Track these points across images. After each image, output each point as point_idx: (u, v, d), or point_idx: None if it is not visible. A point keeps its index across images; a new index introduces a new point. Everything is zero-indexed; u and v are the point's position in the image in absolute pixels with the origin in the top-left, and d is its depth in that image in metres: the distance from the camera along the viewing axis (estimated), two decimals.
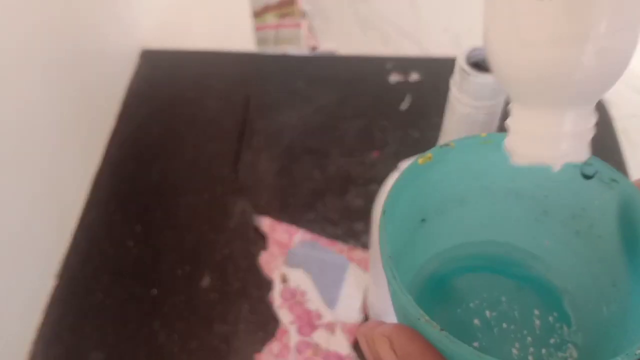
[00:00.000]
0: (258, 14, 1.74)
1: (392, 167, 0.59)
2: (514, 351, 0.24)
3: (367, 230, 0.56)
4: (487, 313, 0.25)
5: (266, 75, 0.71)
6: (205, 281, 0.54)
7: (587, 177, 0.24)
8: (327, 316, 0.50)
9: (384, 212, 0.22)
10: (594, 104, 0.20)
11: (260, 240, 0.56)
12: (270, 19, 1.72)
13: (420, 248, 0.26)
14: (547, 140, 0.20)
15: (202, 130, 0.66)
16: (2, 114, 0.48)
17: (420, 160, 0.24)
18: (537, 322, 0.25)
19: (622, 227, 0.23)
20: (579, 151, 0.21)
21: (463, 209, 0.27)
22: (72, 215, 0.59)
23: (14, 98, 0.50)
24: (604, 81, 0.19)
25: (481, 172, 0.25)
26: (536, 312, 0.25)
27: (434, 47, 1.84)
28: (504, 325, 0.25)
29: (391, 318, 0.48)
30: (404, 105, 0.67)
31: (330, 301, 0.51)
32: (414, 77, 0.69)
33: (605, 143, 0.62)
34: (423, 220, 0.26)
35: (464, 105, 0.30)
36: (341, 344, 0.49)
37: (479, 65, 0.30)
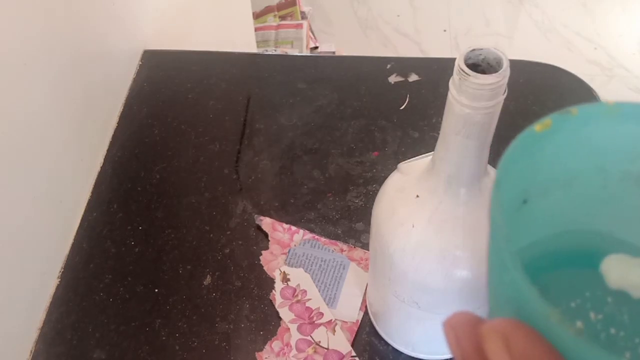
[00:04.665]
0: (259, 15, 1.74)
1: (392, 167, 0.59)
2: None
3: (367, 229, 0.56)
4: (592, 315, 0.22)
5: (267, 76, 0.72)
6: (207, 280, 0.54)
7: None
8: (328, 315, 0.51)
9: (497, 185, 0.19)
10: None
11: (261, 239, 0.57)
12: (271, 20, 1.72)
13: (517, 235, 0.22)
14: None
15: (203, 130, 0.66)
16: (7, 114, 0.49)
17: (537, 127, 0.20)
18: None
19: None
20: None
21: (569, 191, 0.23)
22: (75, 214, 0.59)
23: (18, 99, 0.50)
24: None
25: (598, 149, 0.22)
26: None
27: (433, 48, 1.84)
28: (612, 330, 0.21)
29: (391, 318, 0.48)
30: (404, 105, 0.67)
31: (331, 300, 0.52)
32: (414, 77, 0.70)
33: None
34: (525, 201, 0.22)
35: (463, 106, 0.30)
36: (341, 343, 0.49)
37: (478, 66, 0.30)
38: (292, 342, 0.49)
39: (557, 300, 0.22)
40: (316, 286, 0.52)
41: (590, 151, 0.22)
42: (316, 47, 1.75)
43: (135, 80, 0.72)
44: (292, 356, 0.49)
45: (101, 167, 0.64)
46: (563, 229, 0.24)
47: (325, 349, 0.49)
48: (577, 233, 0.24)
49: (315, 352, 0.49)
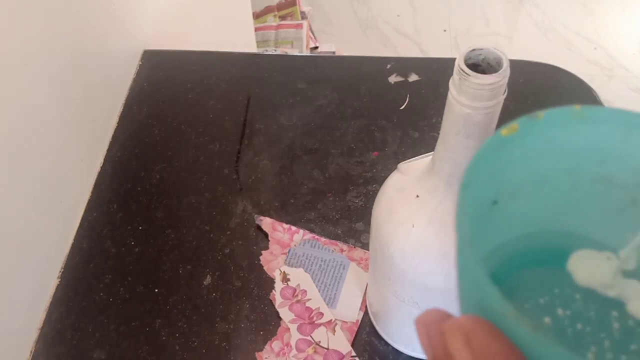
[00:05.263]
0: (259, 15, 1.74)
1: (392, 167, 0.59)
2: (590, 356, 0.21)
3: (367, 229, 0.56)
4: (560, 311, 0.22)
5: (267, 76, 0.72)
6: (207, 280, 0.54)
7: None
8: (328, 315, 0.51)
9: (463, 187, 0.20)
10: None
11: (261, 239, 0.57)
12: (271, 20, 1.72)
13: (488, 235, 0.23)
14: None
15: (203, 130, 0.66)
16: (7, 114, 0.49)
17: (504, 131, 0.21)
18: (616, 324, 0.22)
19: None
20: None
21: (540, 193, 0.24)
22: (75, 214, 0.59)
23: (18, 99, 0.50)
24: None
25: (567, 152, 0.22)
26: (615, 313, 0.22)
27: (433, 48, 1.84)
28: (579, 326, 0.22)
29: (391, 318, 0.48)
30: (404, 105, 0.67)
31: (331, 300, 0.52)
32: (414, 77, 0.70)
33: None
34: (494, 202, 0.23)
35: (463, 106, 0.30)
36: (341, 343, 0.49)
37: (478, 66, 0.30)
38: (292, 342, 0.49)
39: (527, 297, 0.23)
40: (316, 286, 0.52)
41: (558, 154, 0.22)
42: (316, 47, 1.75)
43: (135, 80, 0.72)
44: (292, 356, 0.49)
45: (101, 167, 0.64)
46: (534, 229, 0.24)
47: (325, 349, 0.49)
48: (548, 233, 0.24)
49: (315, 352, 0.49)
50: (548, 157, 0.22)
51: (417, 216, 0.36)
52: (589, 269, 0.23)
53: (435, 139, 0.34)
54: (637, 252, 0.23)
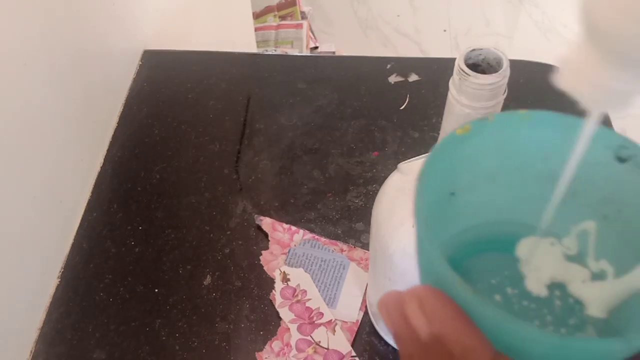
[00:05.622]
0: (259, 15, 1.74)
1: (392, 167, 0.59)
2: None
3: (367, 229, 0.56)
4: (509, 290, 0.25)
5: (267, 76, 0.72)
6: (207, 280, 0.54)
7: (622, 160, 0.23)
8: (328, 315, 0.51)
9: (420, 178, 0.22)
10: None
11: (261, 239, 0.57)
12: (271, 20, 1.72)
13: (448, 223, 0.26)
14: (593, 83, 0.20)
15: (203, 130, 0.66)
16: (7, 114, 0.49)
17: (458, 131, 0.24)
18: (558, 302, 0.25)
19: None
20: (614, 105, 0.21)
21: (492, 186, 0.26)
22: (75, 214, 0.59)
23: (18, 98, 0.50)
24: None
25: (515, 151, 0.25)
26: (557, 293, 0.25)
27: (433, 48, 1.84)
28: (525, 302, 0.25)
29: None
30: (404, 105, 0.67)
31: (331, 300, 0.52)
32: (414, 77, 0.70)
33: None
34: (452, 194, 0.26)
35: (463, 106, 0.30)
36: (341, 343, 0.49)
37: (478, 66, 0.30)
38: (292, 342, 0.49)
39: (481, 278, 0.26)
40: (316, 286, 0.52)
41: (507, 153, 0.25)
42: (316, 47, 1.75)
43: (135, 80, 0.72)
44: (292, 356, 0.49)
45: (101, 167, 0.64)
46: (489, 219, 0.27)
47: (325, 349, 0.49)
48: (501, 223, 0.27)
49: (315, 352, 0.49)
50: (498, 155, 0.25)
51: None
52: (528, 252, 0.26)
53: (435, 139, 0.34)
54: (579, 239, 0.26)
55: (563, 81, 0.21)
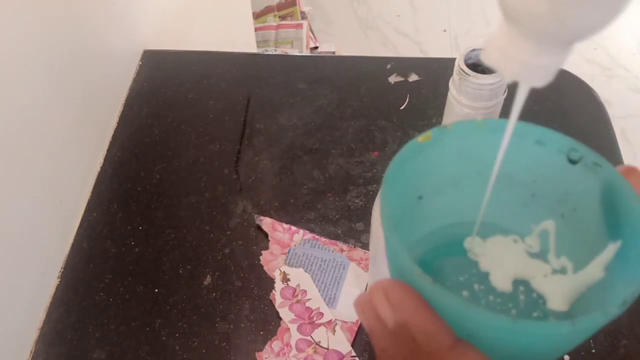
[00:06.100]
0: (259, 15, 1.74)
1: None
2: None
3: (367, 229, 0.56)
4: (476, 286, 0.27)
5: (267, 76, 0.72)
6: (207, 280, 0.54)
7: (573, 162, 0.25)
8: (328, 315, 0.51)
9: (385, 180, 0.23)
10: (565, 50, 0.22)
11: (261, 239, 0.57)
12: (271, 20, 1.72)
13: (416, 224, 0.28)
14: (512, 59, 0.22)
15: (203, 130, 0.66)
16: (6, 114, 0.49)
17: (420, 139, 0.25)
18: (522, 297, 0.26)
19: (604, 210, 0.24)
20: (534, 79, 0.23)
21: (457, 190, 0.28)
22: (75, 214, 0.59)
23: (18, 98, 0.50)
24: (574, 34, 0.21)
25: (476, 157, 0.26)
26: (521, 288, 0.26)
27: (433, 48, 1.84)
28: (491, 297, 0.26)
29: None
30: (404, 105, 0.67)
31: (331, 300, 0.52)
32: (414, 77, 0.70)
33: (603, 142, 0.62)
34: (420, 197, 0.27)
35: (463, 106, 0.30)
36: (341, 343, 0.49)
37: (478, 66, 0.30)
38: (292, 342, 0.49)
39: (449, 276, 0.27)
40: (316, 286, 0.52)
41: (468, 159, 0.27)
42: (316, 47, 1.75)
43: (135, 80, 0.72)
44: (292, 356, 0.49)
45: (101, 167, 0.64)
46: (457, 221, 0.29)
47: (325, 349, 0.49)
48: (467, 224, 0.28)
49: (315, 352, 0.49)
50: (460, 161, 0.27)
51: None
52: (498, 251, 0.28)
53: None
54: (540, 237, 0.28)
55: (488, 57, 0.22)
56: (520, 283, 0.27)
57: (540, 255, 0.28)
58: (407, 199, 0.26)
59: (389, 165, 0.24)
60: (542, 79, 0.23)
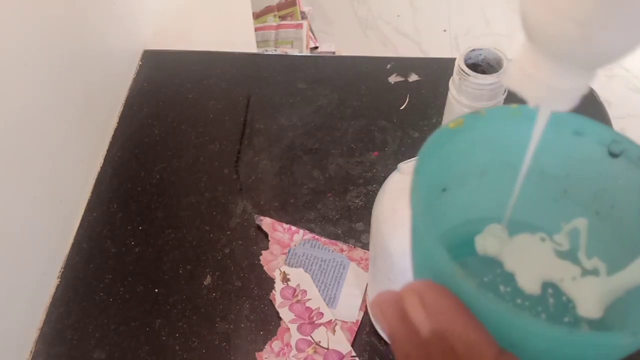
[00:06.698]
0: (259, 15, 1.74)
1: (392, 167, 0.59)
2: None
3: (367, 229, 0.56)
4: (502, 288, 0.25)
5: (267, 76, 0.72)
6: (207, 280, 0.54)
7: (614, 155, 0.23)
8: (328, 315, 0.51)
9: (416, 170, 0.22)
10: (591, 74, 0.21)
11: (261, 239, 0.57)
12: (271, 20, 1.72)
13: (439, 220, 0.25)
14: (535, 82, 0.21)
15: (203, 130, 0.66)
16: (7, 114, 0.49)
17: (451, 125, 0.23)
18: (551, 300, 0.24)
19: None
20: (560, 103, 0.22)
21: (483, 182, 0.26)
22: (75, 214, 0.59)
23: (18, 98, 0.50)
24: (599, 60, 0.20)
25: (506, 146, 0.25)
26: (550, 290, 0.25)
27: (433, 48, 1.84)
28: (519, 300, 0.24)
29: None
30: (404, 105, 0.67)
31: (331, 300, 0.52)
32: (414, 77, 0.70)
33: None
34: (444, 190, 0.25)
35: (463, 106, 0.30)
36: (341, 343, 0.49)
37: (478, 66, 0.30)
38: (292, 342, 0.49)
39: (472, 276, 0.25)
40: (316, 286, 0.52)
41: (498, 147, 0.25)
42: (316, 47, 1.75)
43: (135, 80, 0.72)
44: (292, 356, 0.49)
45: (101, 167, 0.64)
46: (481, 216, 0.27)
47: (325, 349, 0.49)
48: (493, 220, 0.26)
49: (315, 352, 0.49)
50: (489, 150, 0.25)
51: None
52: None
53: None
54: (569, 236, 0.26)
55: (510, 81, 0.22)
56: (549, 285, 0.25)
57: (569, 255, 0.26)
58: (431, 192, 0.24)
59: (418, 155, 0.22)
60: (566, 103, 0.21)
